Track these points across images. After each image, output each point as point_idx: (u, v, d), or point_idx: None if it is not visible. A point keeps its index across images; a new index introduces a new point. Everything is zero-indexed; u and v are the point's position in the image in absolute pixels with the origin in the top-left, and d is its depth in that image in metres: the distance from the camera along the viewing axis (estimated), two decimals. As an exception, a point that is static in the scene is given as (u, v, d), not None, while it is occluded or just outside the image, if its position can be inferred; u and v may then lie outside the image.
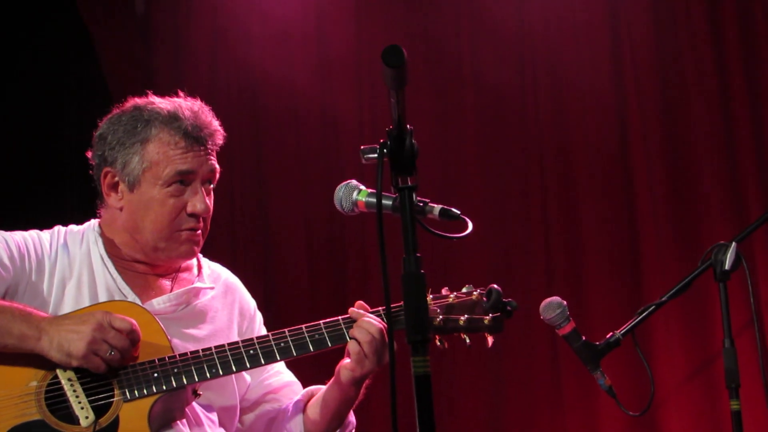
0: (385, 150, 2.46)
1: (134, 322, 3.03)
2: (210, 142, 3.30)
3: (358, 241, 5.80)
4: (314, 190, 5.84)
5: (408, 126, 2.43)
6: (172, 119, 3.27)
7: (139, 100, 3.38)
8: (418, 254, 2.42)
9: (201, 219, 3.29)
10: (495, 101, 5.76)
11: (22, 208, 5.57)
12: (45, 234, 3.34)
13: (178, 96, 3.40)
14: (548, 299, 3.52)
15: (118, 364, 3.01)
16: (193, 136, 3.27)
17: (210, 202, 3.32)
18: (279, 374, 3.48)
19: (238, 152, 5.91)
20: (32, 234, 3.32)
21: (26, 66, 5.94)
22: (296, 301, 5.75)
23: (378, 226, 2.46)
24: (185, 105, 3.33)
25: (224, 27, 6.02)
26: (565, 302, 3.60)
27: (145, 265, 3.36)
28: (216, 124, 3.35)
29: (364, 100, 5.88)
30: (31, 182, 5.89)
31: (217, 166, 3.35)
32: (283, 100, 5.93)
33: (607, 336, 3.70)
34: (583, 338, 3.63)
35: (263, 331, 3.48)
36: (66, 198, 5.81)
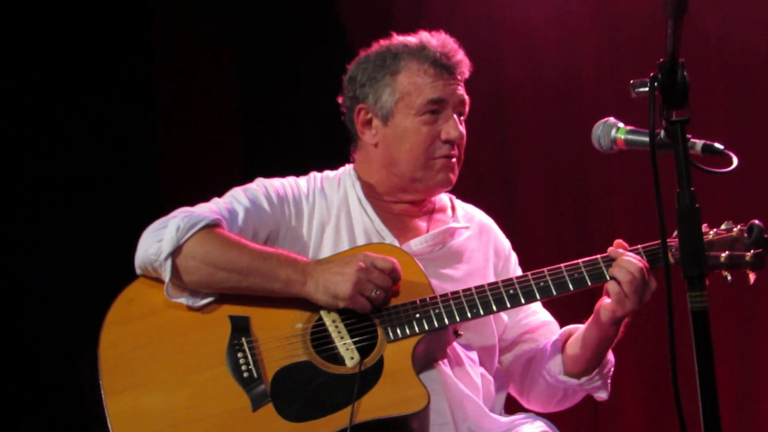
0: (656, 83, 2.42)
1: (395, 260, 3.08)
2: (458, 71, 3.37)
3: (602, 180, 5.72)
4: (556, 132, 5.77)
5: (680, 59, 2.39)
6: (420, 49, 3.35)
7: (383, 41, 3.46)
8: (693, 188, 2.39)
9: (455, 146, 3.35)
10: (741, 33, 5.55)
11: (268, 159, 5.74)
12: (302, 180, 3.44)
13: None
14: None
15: (383, 304, 3.07)
16: (442, 64, 3.34)
17: (463, 130, 3.36)
18: (536, 314, 3.48)
19: (478, 94, 5.90)
20: (290, 180, 3.42)
21: (270, 8, 6.11)
22: (538, 241, 5.73)
23: (652, 162, 2.44)
24: (432, 35, 3.40)
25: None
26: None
27: (402, 204, 3.42)
28: (462, 54, 3.40)
29: (603, 44, 5.76)
30: (275, 133, 6.08)
31: (467, 97, 3.40)
32: (522, 43, 5.87)
33: None
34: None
35: (518, 271, 3.50)
36: (307, 149, 5.98)
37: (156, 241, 3.08)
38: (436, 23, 5.95)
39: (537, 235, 5.75)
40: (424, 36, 3.40)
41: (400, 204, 3.43)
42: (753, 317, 5.43)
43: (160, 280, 3.11)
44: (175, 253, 3.05)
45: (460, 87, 3.38)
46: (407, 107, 3.33)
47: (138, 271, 3.15)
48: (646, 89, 2.44)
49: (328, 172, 3.50)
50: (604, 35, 5.75)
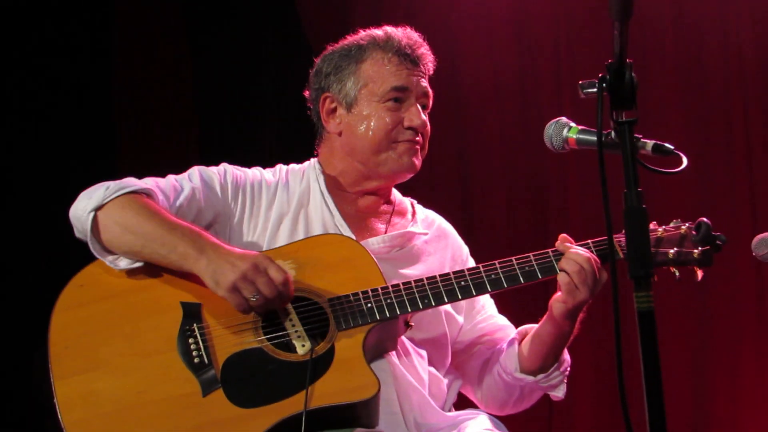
0: (604, 84, 2.43)
1: (290, 277, 3.04)
2: (422, 62, 3.43)
3: (558, 179, 5.76)
4: (513, 131, 5.81)
5: (628, 60, 2.40)
6: (385, 39, 3.42)
7: (349, 36, 3.52)
8: (640, 189, 2.40)
9: (419, 134, 3.38)
10: (697, 41, 5.60)
11: (225, 152, 5.75)
12: (268, 171, 3.46)
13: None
14: (761, 235, 3.41)
15: (260, 310, 3.03)
16: (406, 54, 3.39)
17: (427, 120, 3.40)
18: (492, 317, 3.49)
19: (436, 96, 5.92)
20: (255, 170, 3.44)
21: (226, 16, 6.11)
22: (495, 241, 5.76)
23: (599, 161, 2.46)
24: (397, 28, 3.47)
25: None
26: (778, 238, 3.50)
27: (366, 198, 3.44)
28: (427, 47, 3.46)
29: (561, 44, 5.80)
30: (232, 126, 6.08)
31: (431, 90, 3.45)
32: (480, 46, 5.91)
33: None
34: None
35: None
36: (265, 144, 5.98)
37: (87, 198, 3.12)
38: (394, 24, 6.00)
39: (494, 234, 5.79)
40: (389, 28, 3.45)
41: (364, 197, 3.44)
42: (706, 313, 5.50)
43: (110, 268, 3.14)
44: (98, 209, 3.09)
45: (423, 79, 3.42)
46: (371, 94, 3.37)
47: (72, 223, 3.16)
48: (595, 90, 2.46)
49: (293, 165, 3.52)
50: (561, 35, 5.79)
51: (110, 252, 3.12)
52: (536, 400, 3.45)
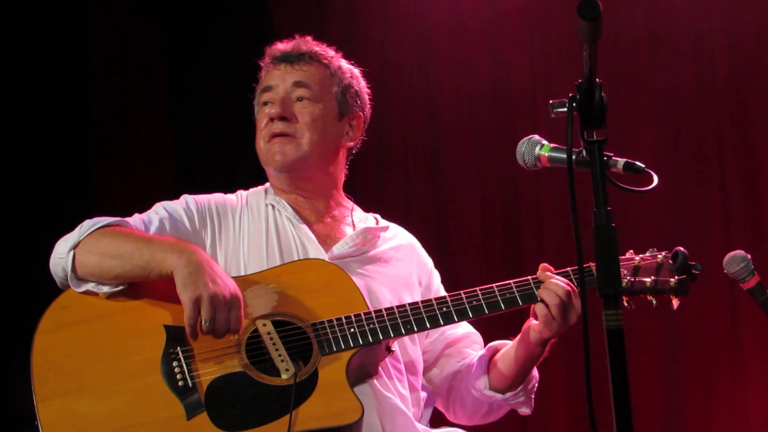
0: (574, 104, 2.45)
1: (241, 325, 3.04)
2: (297, 59, 3.46)
3: (532, 198, 5.79)
4: (488, 150, 5.84)
5: (597, 80, 2.42)
6: (273, 49, 3.52)
7: None
8: (609, 208, 2.42)
9: (286, 123, 3.39)
10: (670, 60, 5.65)
11: (204, 178, 5.76)
12: (230, 196, 3.49)
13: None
14: (732, 253, 3.44)
15: (212, 335, 3.00)
16: (279, 57, 3.47)
17: (302, 112, 3.40)
18: (458, 326, 3.51)
19: (411, 113, 5.97)
20: (216, 196, 3.46)
21: (203, 35, 6.14)
22: (470, 258, 5.78)
23: (569, 181, 2.47)
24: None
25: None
26: (749, 256, 3.52)
27: (316, 202, 3.48)
28: (320, 49, 3.50)
29: (537, 62, 5.83)
30: (207, 146, 6.11)
31: (309, 78, 3.44)
32: (456, 63, 5.94)
33: (794, 289, 3.60)
34: (768, 292, 3.55)
35: (442, 289, 3.55)
36: (241, 161, 5.98)
37: (63, 242, 3.15)
38: (370, 40, 6.03)
39: (468, 250, 5.81)
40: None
41: (316, 204, 3.48)
42: (680, 330, 5.53)
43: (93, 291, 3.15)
44: (75, 248, 3.11)
45: (294, 70, 3.45)
46: (256, 105, 3.51)
47: (53, 272, 3.18)
48: (565, 109, 2.48)
49: (253, 189, 3.56)
50: (537, 51, 5.82)
51: (102, 285, 3.13)
52: (504, 413, 3.49)
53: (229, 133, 5.98)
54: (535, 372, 3.38)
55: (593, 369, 2.44)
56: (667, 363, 5.56)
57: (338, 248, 3.36)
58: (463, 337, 3.52)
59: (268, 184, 3.54)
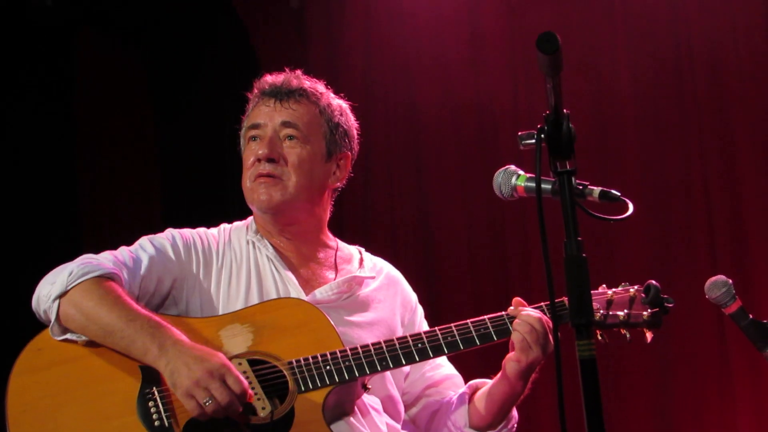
0: (542, 135, 2.47)
1: (247, 387, 3.02)
2: (284, 93, 3.38)
3: (518, 229, 5.79)
4: (473, 178, 5.84)
5: (565, 110, 2.44)
6: (262, 83, 3.44)
7: None
8: (579, 238, 2.43)
9: (273, 165, 3.34)
10: (650, 81, 5.67)
11: (191, 210, 5.77)
12: (212, 231, 3.46)
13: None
14: (713, 278, 3.45)
15: (216, 415, 2.99)
16: (267, 92, 3.40)
17: (290, 153, 3.35)
18: (440, 367, 3.51)
19: (395, 141, 5.99)
20: (200, 231, 3.44)
21: (189, 64, 6.17)
22: (458, 289, 5.79)
23: (538, 211, 2.48)
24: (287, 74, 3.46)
25: (377, 20, 6.08)
26: (730, 281, 3.53)
27: (301, 245, 3.44)
28: (311, 85, 3.43)
29: (520, 90, 5.86)
30: (195, 175, 6.13)
31: (298, 118, 3.38)
32: (439, 90, 5.96)
33: (776, 313, 3.61)
34: (751, 316, 3.55)
35: (425, 324, 3.54)
36: (228, 194, 5.99)
37: (50, 284, 3.11)
38: (352, 67, 6.05)
39: (453, 282, 5.81)
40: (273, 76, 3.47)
41: (300, 245, 3.44)
42: (669, 357, 5.52)
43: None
44: (61, 296, 3.08)
45: (283, 109, 3.38)
46: (242, 138, 3.45)
47: (34, 310, 3.17)
48: (533, 141, 2.49)
49: (237, 223, 3.53)
50: (519, 74, 5.84)
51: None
52: None
53: (215, 163, 5.98)
54: (515, 412, 3.37)
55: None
56: (657, 388, 5.55)
57: (321, 293, 3.35)
58: (446, 378, 3.50)
59: (251, 219, 3.50)
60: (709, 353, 5.48)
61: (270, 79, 3.43)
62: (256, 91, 3.45)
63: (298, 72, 3.47)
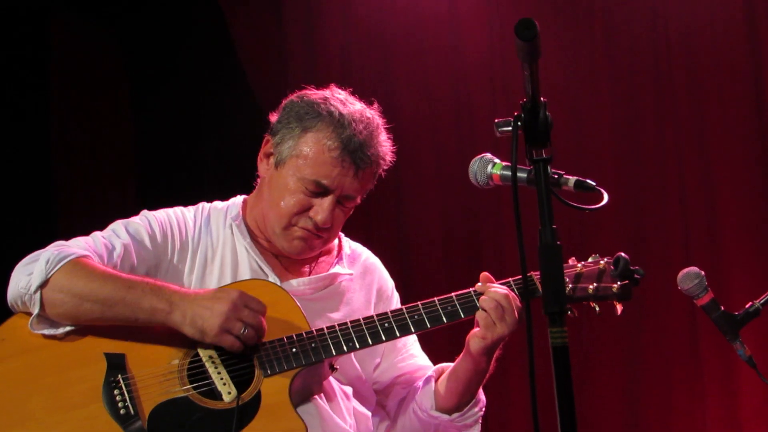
0: (519, 123, 2.47)
1: (263, 304, 3.05)
2: (364, 165, 3.26)
3: (493, 216, 5.80)
4: (448, 165, 5.85)
5: (542, 98, 2.44)
6: (340, 123, 3.24)
7: (328, 93, 3.36)
8: (554, 226, 2.43)
9: (321, 229, 3.27)
10: (628, 73, 5.69)
11: (166, 193, 5.76)
12: (189, 212, 3.41)
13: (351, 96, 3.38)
14: (686, 269, 3.46)
15: (252, 343, 3.04)
16: (349, 150, 3.23)
17: (339, 217, 3.30)
18: (413, 357, 3.48)
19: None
20: (176, 212, 3.39)
21: (165, 45, 6.13)
22: (431, 277, 5.79)
23: (514, 199, 2.48)
24: (364, 117, 3.29)
25: (356, 9, 6.07)
26: (703, 272, 3.55)
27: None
28: (384, 150, 3.32)
29: (497, 76, 5.86)
30: (170, 160, 6.10)
31: (361, 189, 3.31)
32: (417, 77, 5.96)
33: (747, 306, 3.62)
34: (722, 308, 3.57)
35: None
36: (203, 182, 5.99)
37: (26, 275, 3.05)
38: (330, 65, 6.04)
39: (427, 269, 5.81)
40: (358, 112, 3.29)
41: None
42: (639, 345, 5.56)
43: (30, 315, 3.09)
44: (43, 286, 3.03)
45: (356, 179, 3.27)
46: (296, 168, 3.26)
47: (10, 305, 3.12)
48: (510, 129, 2.49)
49: (217, 203, 3.47)
50: (497, 69, 5.85)
51: (59, 325, 3.09)
52: None
53: (192, 145, 5.98)
54: (482, 396, 3.35)
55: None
56: (628, 376, 5.59)
57: (297, 283, 3.33)
58: (418, 368, 3.46)
59: (232, 203, 3.45)
60: (680, 343, 5.52)
61: (356, 132, 3.24)
62: (333, 133, 3.24)
63: (381, 131, 3.33)
